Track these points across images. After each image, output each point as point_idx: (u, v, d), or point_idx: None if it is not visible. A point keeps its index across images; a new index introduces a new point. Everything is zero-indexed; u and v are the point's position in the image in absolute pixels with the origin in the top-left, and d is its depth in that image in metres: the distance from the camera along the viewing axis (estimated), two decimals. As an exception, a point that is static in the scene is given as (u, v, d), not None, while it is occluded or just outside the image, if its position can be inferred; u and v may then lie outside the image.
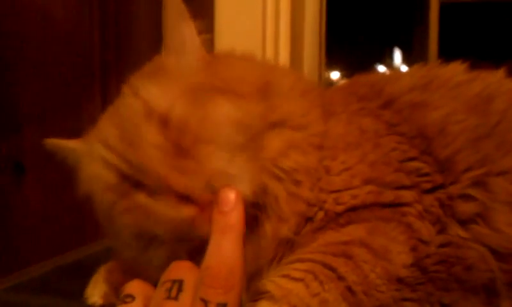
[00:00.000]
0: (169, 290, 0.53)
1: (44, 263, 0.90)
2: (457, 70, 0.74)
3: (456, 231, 0.63)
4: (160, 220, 0.59)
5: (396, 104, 0.71)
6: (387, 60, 3.18)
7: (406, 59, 3.12)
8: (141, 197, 0.60)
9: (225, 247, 0.56)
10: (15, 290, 0.80)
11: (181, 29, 0.67)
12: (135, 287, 0.56)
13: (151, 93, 0.63)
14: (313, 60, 1.32)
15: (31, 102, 1.17)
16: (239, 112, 0.63)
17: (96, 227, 1.24)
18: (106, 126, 0.65)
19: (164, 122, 0.61)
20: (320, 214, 0.65)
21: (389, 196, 0.64)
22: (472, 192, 0.64)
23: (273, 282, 0.61)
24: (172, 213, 0.58)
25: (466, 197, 0.64)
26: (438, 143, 0.66)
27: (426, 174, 0.65)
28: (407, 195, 0.64)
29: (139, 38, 1.27)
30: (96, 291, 0.70)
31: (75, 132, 1.04)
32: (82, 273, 0.76)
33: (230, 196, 0.58)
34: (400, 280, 0.60)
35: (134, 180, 0.61)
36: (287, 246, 0.64)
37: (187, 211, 0.58)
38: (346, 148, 0.66)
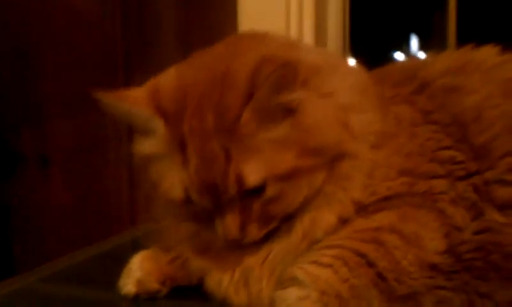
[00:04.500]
0: None
1: (74, 253, 0.90)
2: (490, 52, 0.73)
3: (493, 216, 0.62)
4: None
5: (430, 88, 0.70)
6: (404, 47, 3.14)
7: (424, 46, 3.08)
8: None
9: None
10: (47, 281, 0.80)
11: None
12: None
13: None
14: (337, 45, 1.31)
15: (55, 95, 1.18)
16: None
17: (121, 218, 1.27)
18: None
19: None
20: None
21: (422, 186, 0.63)
22: (510, 177, 0.63)
23: (301, 268, 0.61)
24: None
25: (503, 183, 0.63)
26: (473, 129, 0.65)
27: (460, 162, 0.64)
28: (440, 184, 0.63)
29: (162, 28, 1.27)
30: (129, 280, 0.69)
31: (100, 125, 1.04)
32: (112, 263, 0.76)
33: None
34: (433, 267, 0.59)
35: None
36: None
37: None
38: (385, 140, 0.66)
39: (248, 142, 0.61)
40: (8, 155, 1.12)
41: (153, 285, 0.69)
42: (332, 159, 0.63)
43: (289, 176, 0.61)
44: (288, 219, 0.65)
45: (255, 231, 0.63)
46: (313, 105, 0.63)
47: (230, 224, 0.62)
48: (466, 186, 0.63)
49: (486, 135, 0.65)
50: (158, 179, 0.66)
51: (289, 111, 0.62)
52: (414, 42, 3.20)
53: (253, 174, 0.60)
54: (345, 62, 0.72)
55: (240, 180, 0.60)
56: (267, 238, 0.65)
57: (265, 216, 0.63)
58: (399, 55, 3.05)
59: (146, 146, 0.66)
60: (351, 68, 0.72)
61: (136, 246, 0.75)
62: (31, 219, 1.14)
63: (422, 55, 3.15)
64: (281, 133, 0.61)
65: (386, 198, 0.63)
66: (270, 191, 0.61)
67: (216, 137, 0.61)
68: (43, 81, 1.17)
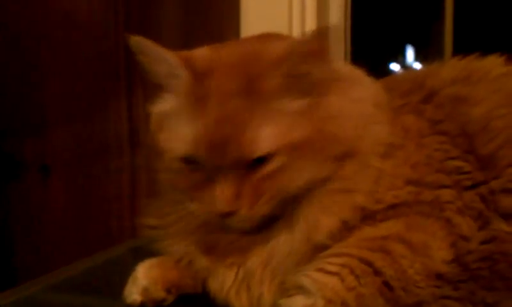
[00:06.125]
0: None
1: (77, 263, 0.89)
2: (495, 62, 0.73)
3: (500, 225, 0.62)
4: None
5: (437, 97, 0.70)
6: (399, 58, 3.15)
7: (420, 57, 3.09)
8: None
9: None
10: (52, 291, 0.78)
11: None
12: None
13: None
14: (339, 55, 1.31)
15: (57, 104, 1.18)
16: None
17: (122, 227, 1.27)
18: None
19: None
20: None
21: (429, 195, 0.63)
22: None
23: (307, 276, 0.61)
24: None
25: (509, 192, 0.63)
26: (480, 140, 0.66)
27: (467, 172, 0.64)
28: (446, 194, 0.63)
29: (164, 40, 1.27)
30: (135, 288, 0.68)
31: (101, 134, 1.04)
32: (116, 272, 0.76)
33: None
34: (440, 276, 0.60)
35: None
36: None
37: None
38: (392, 151, 0.66)
39: (270, 108, 0.61)
40: (10, 163, 1.12)
41: (159, 293, 0.69)
42: (342, 155, 0.64)
43: (298, 148, 0.61)
44: (289, 216, 0.64)
45: (246, 206, 0.62)
46: (341, 101, 0.65)
47: (224, 191, 0.61)
48: (473, 196, 0.63)
49: (492, 145, 0.65)
50: (167, 141, 0.65)
51: (316, 87, 0.63)
52: (410, 53, 3.22)
53: (267, 140, 0.61)
54: (365, 74, 0.73)
55: (254, 142, 0.60)
56: (268, 234, 0.65)
57: (261, 191, 0.62)
58: (394, 66, 3.06)
59: (165, 103, 0.67)
60: (370, 80, 0.72)
61: (138, 255, 0.75)
62: (32, 228, 1.14)
63: (417, 66, 3.16)
64: (304, 107, 0.62)
65: (393, 206, 0.63)
66: (276, 162, 0.61)
67: (241, 96, 0.61)
68: (44, 91, 1.17)
